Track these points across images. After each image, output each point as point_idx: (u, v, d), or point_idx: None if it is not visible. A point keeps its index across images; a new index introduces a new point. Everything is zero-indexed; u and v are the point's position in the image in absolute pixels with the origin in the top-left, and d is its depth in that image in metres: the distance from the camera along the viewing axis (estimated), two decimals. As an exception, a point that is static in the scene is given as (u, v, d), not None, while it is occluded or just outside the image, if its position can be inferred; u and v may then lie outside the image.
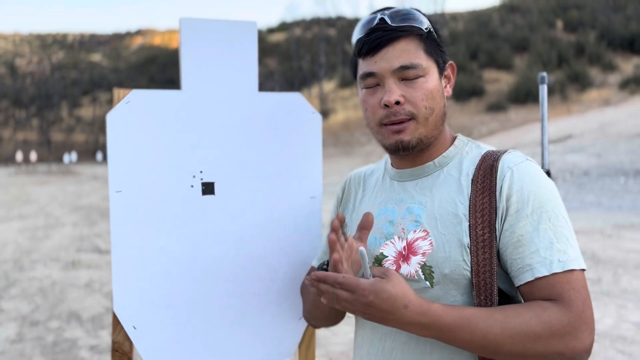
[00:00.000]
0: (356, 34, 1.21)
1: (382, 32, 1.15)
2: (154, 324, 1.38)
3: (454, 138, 1.25)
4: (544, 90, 1.46)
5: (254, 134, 1.44)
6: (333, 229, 1.03)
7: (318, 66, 50.45)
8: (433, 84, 1.17)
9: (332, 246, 1.02)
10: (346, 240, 1.09)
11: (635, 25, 37.22)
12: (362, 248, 0.97)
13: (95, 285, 6.93)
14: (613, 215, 10.24)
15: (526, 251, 1.06)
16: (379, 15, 1.18)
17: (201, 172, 1.41)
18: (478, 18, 51.18)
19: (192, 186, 1.40)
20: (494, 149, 1.21)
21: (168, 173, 1.38)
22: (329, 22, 66.26)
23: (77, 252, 9.08)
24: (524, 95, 31.58)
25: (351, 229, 1.30)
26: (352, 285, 0.97)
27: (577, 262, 1.05)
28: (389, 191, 1.26)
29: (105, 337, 5.02)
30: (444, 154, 1.22)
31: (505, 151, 1.17)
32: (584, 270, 1.06)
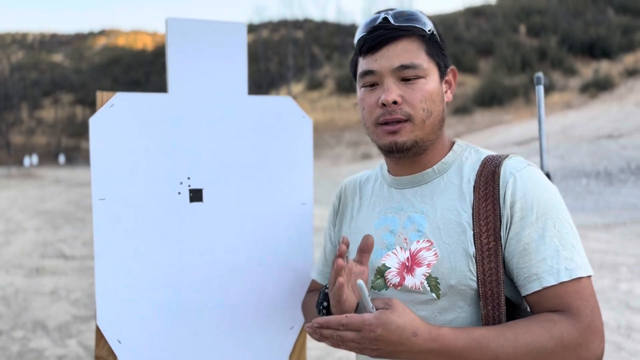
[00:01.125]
0: (358, 33, 1.19)
1: (385, 31, 1.13)
2: (140, 338, 1.32)
3: (452, 143, 1.22)
4: (540, 90, 1.44)
5: (244, 138, 1.40)
6: (340, 254, 1.00)
7: (286, 68, 50.39)
8: (433, 86, 1.14)
9: (338, 271, 1.00)
10: (347, 263, 1.06)
11: (594, 31, 38.34)
12: (360, 281, 0.94)
13: (61, 292, 6.72)
14: (576, 216, 10.45)
15: (533, 260, 1.04)
16: (382, 15, 1.16)
17: (189, 178, 1.35)
18: (443, 22, 51.90)
19: (179, 193, 1.34)
20: (493, 153, 1.19)
21: (154, 179, 1.32)
22: (297, 24, 66.29)
23: (41, 258, 8.80)
24: (489, 99, 32.20)
25: (351, 239, 1.26)
26: (358, 323, 0.94)
27: (584, 269, 1.04)
28: (387, 199, 1.23)
29: (73, 347, 4.86)
30: (443, 160, 1.19)
31: (506, 156, 1.15)
32: (590, 276, 1.05)
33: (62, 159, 48.65)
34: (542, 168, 1.38)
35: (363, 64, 1.16)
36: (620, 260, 6.98)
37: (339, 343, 0.97)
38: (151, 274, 1.33)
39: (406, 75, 1.12)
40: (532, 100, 31.65)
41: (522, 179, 1.09)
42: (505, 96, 32.67)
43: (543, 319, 1.01)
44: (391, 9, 1.17)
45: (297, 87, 48.56)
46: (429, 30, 1.15)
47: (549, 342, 0.98)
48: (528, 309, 1.11)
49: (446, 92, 1.20)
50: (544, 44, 38.89)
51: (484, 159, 1.16)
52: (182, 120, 1.34)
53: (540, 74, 1.44)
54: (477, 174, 1.13)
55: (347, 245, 1.03)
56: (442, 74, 1.18)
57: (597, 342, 1.00)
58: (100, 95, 1.28)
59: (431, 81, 1.14)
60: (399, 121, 1.12)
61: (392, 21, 1.14)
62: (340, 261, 0.99)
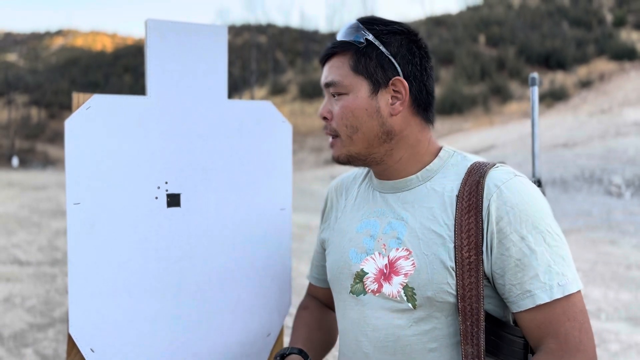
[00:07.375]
0: None
1: (329, 46, 1.18)
2: (114, 346, 1.29)
3: (439, 149, 1.19)
4: (534, 92, 1.34)
5: (222, 142, 1.38)
6: None
7: (249, 73, 50.17)
8: (357, 102, 1.13)
9: None
10: None
11: (550, 43, 39.56)
12: None
13: (16, 299, 6.48)
14: (535, 222, 10.73)
15: (525, 276, 1.02)
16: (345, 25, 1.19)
17: (166, 182, 1.33)
18: (405, 30, 52.41)
19: (156, 198, 1.32)
20: (481, 159, 1.15)
21: (131, 184, 1.29)
22: (260, 29, 66.11)
23: (-6, 264, 8.48)
24: (450, 107, 32.75)
25: (334, 239, 1.26)
26: None
27: (575, 283, 1.03)
28: (371, 203, 1.22)
29: (30, 356, 4.70)
30: (427, 167, 1.15)
31: (492, 165, 1.11)
32: (580, 290, 1.04)
33: (15, 161, 46.96)
34: (533, 174, 1.35)
35: None
36: (575, 266, 7.19)
37: None
38: (127, 281, 1.29)
39: (332, 92, 1.17)
40: (491, 109, 32.41)
41: (508, 192, 1.05)
42: (465, 104, 33.34)
43: None
44: (357, 20, 1.17)
45: (260, 92, 48.38)
46: (360, 44, 1.12)
47: None
48: (511, 321, 1.10)
49: (394, 104, 1.13)
50: (503, 54, 39.86)
51: (470, 166, 1.12)
52: (161, 123, 1.32)
53: (535, 74, 1.34)
54: (461, 183, 1.10)
55: None
56: (377, 87, 1.13)
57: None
58: (76, 97, 1.25)
59: (355, 97, 1.13)
60: (332, 136, 1.19)
61: (337, 36, 1.17)
62: None
